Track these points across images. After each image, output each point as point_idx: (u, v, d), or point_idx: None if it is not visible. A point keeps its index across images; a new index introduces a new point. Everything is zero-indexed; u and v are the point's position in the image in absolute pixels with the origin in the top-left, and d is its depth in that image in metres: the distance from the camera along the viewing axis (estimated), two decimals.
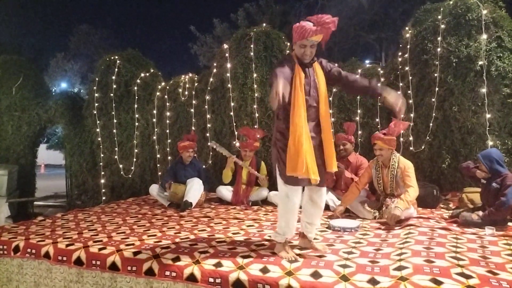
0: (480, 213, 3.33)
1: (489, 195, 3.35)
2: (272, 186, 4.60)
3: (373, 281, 2.13)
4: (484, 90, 4.31)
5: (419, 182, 3.82)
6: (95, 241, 3.02)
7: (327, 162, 2.65)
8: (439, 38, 4.66)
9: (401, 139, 4.83)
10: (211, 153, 5.89)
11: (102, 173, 6.57)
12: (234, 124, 5.69)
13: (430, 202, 4.19)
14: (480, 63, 4.35)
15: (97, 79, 6.74)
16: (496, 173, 3.32)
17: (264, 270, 2.33)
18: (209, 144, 5.17)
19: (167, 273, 2.49)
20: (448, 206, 4.23)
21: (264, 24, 6.14)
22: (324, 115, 2.66)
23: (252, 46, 5.66)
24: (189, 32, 17.84)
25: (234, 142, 5.66)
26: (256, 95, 5.59)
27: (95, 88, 6.66)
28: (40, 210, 7.62)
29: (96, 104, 6.60)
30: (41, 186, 8.30)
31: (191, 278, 2.41)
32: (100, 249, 2.82)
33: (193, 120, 6.12)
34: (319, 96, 2.65)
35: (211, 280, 2.36)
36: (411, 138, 4.83)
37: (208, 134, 5.95)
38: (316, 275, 2.24)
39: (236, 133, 5.65)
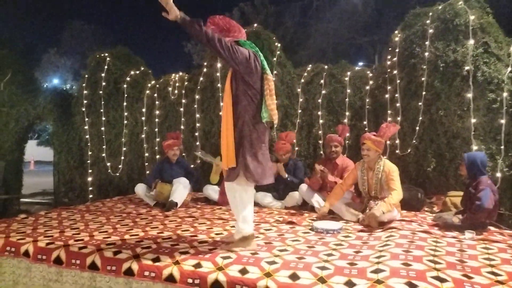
0: (461, 216, 3.37)
1: (467, 199, 3.40)
2: (258, 187, 4.58)
3: (350, 284, 2.14)
4: (470, 95, 4.33)
5: (404, 185, 3.85)
6: (76, 240, 3.00)
7: (223, 159, 2.76)
8: (427, 43, 4.69)
9: (388, 142, 4.85)
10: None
11: (90, 171, 6.53)
12: None
13: (414, 205, 4.23)
14: (467, 68, 4.38)
15: (86, 76, 6.70)
16: (473, 178, 3.36)
17: (243, 271, 2.33)
18: (194, 153, 5.17)
19: (146, 273, 2.48)
20: (433, 209, 4.26)
21: (255, 25, 6.13)
22: (223, 111, 2.74)
23: None
24: (183, 30, 17.75)
25: None
26: None
27: (84, 85, 6.61)
28: (27, 207, 7.54)
29: (85, 101, 6.55)
30: (29, 183, 8.21)
31: (170, 278, 2.40)
32: (80, 248, 2.80)
33: (182, 119, 6.10)
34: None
35: (189, 281, 2.36)
36: (397, 142, 4.85)
37: (197, 134, 5.93)
38: (294, 276, 2.24)
39: None
